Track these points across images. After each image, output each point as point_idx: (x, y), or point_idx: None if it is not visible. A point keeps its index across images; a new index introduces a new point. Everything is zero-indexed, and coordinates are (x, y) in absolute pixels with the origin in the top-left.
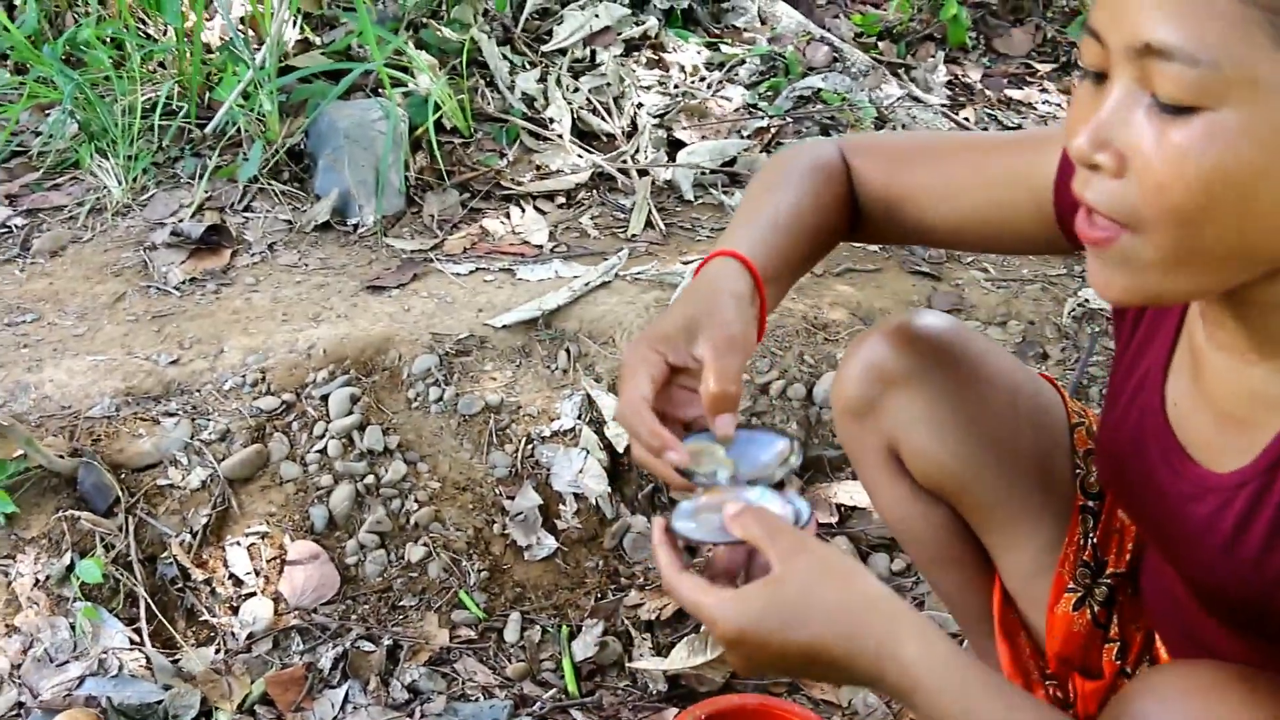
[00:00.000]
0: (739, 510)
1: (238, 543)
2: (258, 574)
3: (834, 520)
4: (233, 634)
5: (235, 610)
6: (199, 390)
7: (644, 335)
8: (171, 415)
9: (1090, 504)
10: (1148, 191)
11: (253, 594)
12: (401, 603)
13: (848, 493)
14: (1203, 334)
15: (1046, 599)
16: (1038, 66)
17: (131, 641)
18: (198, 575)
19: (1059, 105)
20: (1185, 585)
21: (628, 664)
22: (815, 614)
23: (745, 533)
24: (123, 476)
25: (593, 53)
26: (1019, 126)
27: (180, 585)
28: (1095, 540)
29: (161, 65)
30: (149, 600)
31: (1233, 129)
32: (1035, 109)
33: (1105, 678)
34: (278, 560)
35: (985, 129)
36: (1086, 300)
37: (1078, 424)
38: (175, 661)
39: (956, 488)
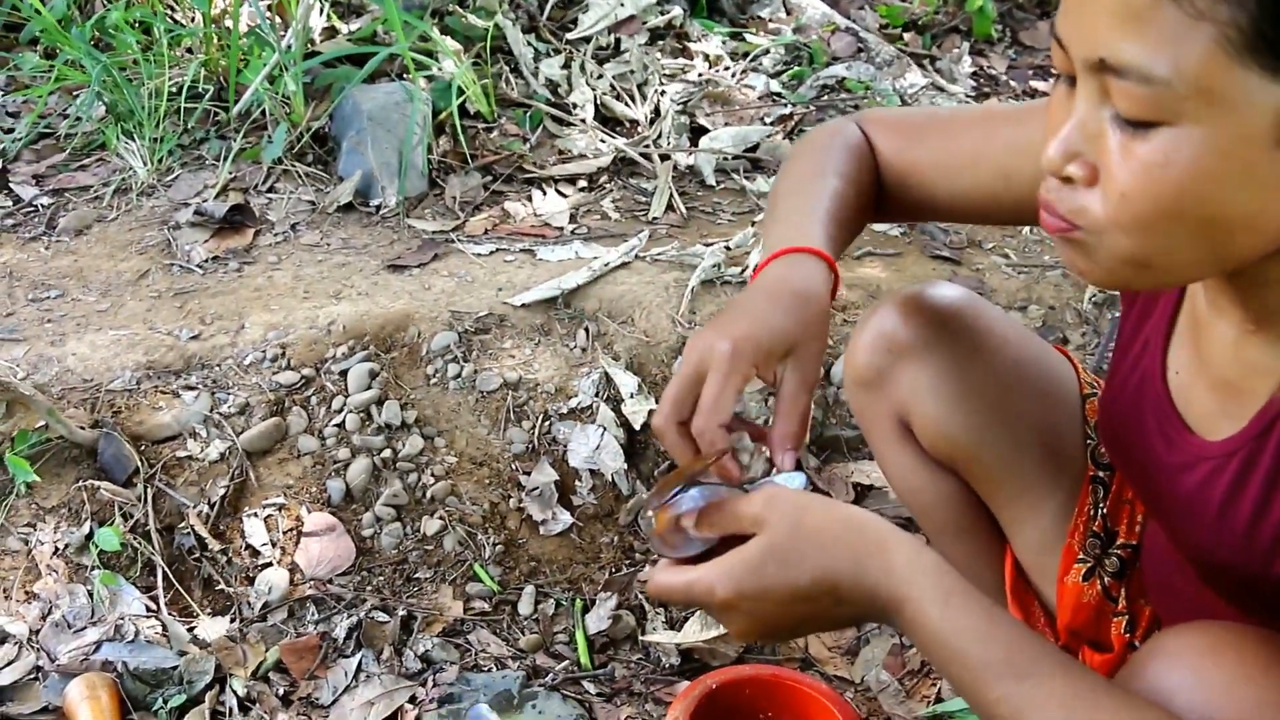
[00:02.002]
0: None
1: (255, 514)
2: (274, 545)
3: (850, 499)
4: (248, 603)
5: (251, 580)
6: (219, 364)
7: (743, 336)
8: (191, 389)
9: (1101, 474)
10: (1112, 201)
11: (269, 564)
12: (416, 575)
13: (864, 472)
14: (1204, 300)
15: (1057, 571)
16: None
17: (148, 609)
18: (215, 545)
19: None
20: (1182, 555)
21: (641, 637)
22: (810, 546)
23: (711, 527)
24: (142, 448)
25: (617, 41)
26: None
27: (197, 555)
28: (1105, 511)
29: (188, 50)
30: (166, 569)
31: (1194, 143)
32: None
33: (1115, 651)
34: (294, 531)
35: None
36: None
37: (1090, 395)
38: (191, 629)
39: (966, 458)
